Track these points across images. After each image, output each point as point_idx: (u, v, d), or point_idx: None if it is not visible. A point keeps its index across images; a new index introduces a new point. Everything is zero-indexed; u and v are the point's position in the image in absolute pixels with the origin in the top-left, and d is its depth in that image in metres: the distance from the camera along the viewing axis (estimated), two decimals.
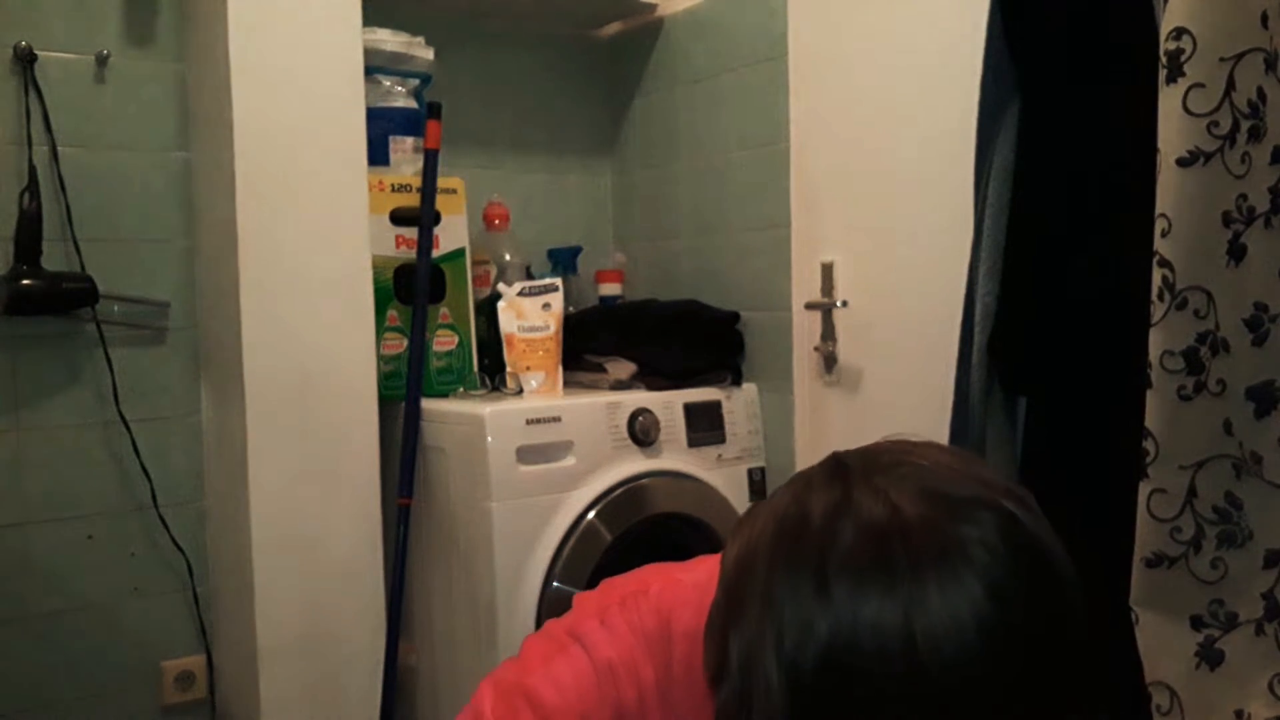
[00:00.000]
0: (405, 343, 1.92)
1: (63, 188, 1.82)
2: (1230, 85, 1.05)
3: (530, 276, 2.18)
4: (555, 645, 0.81)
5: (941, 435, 1.45)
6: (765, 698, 0.57)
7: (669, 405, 1.94)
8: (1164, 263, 1.09)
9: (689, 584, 0.81)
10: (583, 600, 0.86)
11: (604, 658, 0.78)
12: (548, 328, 1.96)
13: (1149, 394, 1.12)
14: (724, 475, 1.99)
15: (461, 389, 1.99)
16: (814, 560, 0.57)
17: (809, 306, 1.94)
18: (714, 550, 0.86)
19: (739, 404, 2.05)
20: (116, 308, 1.87)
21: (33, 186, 1.77)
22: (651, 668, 0.78)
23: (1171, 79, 1.08)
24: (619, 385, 2.01)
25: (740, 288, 2.12)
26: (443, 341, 1.99)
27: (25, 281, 1.74)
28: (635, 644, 0.79)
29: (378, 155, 1.92)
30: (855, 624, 0.55)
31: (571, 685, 0.77)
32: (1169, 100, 1.08)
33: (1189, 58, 1.06)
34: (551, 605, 1.73)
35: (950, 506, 0.58)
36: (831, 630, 0.55)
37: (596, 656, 0.78)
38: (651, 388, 1.99)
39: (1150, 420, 1.12)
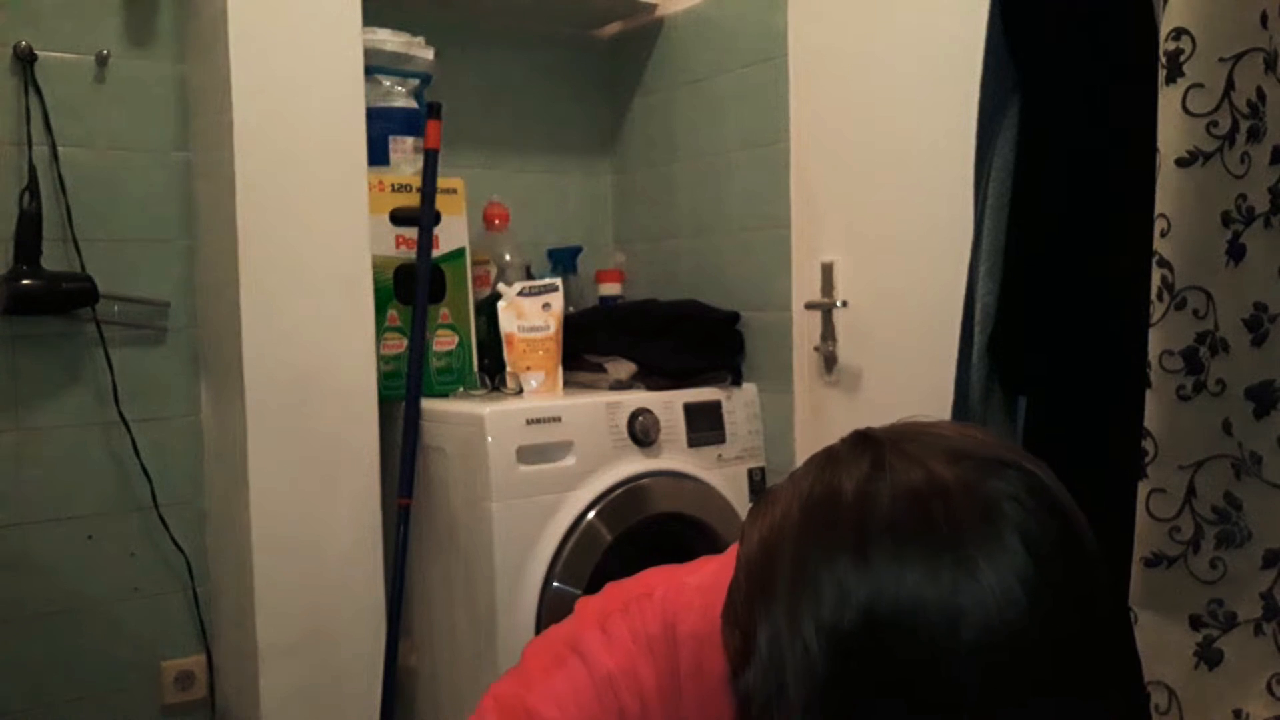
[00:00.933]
0: (405, 343, 1.92)
1: (63, 188, 1.83)
2: (1230, 85, 1.05)
3: (530, 276, 2.18)
4: (555, 658, 0.80)
5: None
6: (802, 670, 0.55)
7: (669, 405, 1.94)
8: (1163, 263, 1.09)
9: (693, 587, 0.80)
10: (585, 605, 0.85)
11: (603, 670, 0.77)
12: (548, 328, 1.96)
13: (1148, 394, 1.12)
14: (724, 475, 1.99)
15: (461, 389, 1.99)
16: (851, 528, 0.56)
17: (809, 306, 1.95)
18: (714, 550, 0.86)
19: (739, 404, 2.05)
20: (116, 308, 1.87)
21: (33, 186, 1.77)
22: (654, 673, 0.78)
23: (1171, 79, 1.08)
24: (619, 385, 2.02)
25: (740, 288, 2.12)
26: (443, 341, 1.99)
27: (25, 281, 1.74)
28: (637, 650, 0.78)
29: (378, 155, 1.92)
30: (898, 587, 0.53)
31: (571, 700, 0.76)
32: (1168, 100, 1.08)
33: (1188, 58, 1.06)
34: (551, 605, 1.73)
35: (981, 467, 0.58)
36: (872, 595, 0.54)
37: (596, 669, 0.77)
38: (651, 388, 1.99)
39: (1149, 420, 1.12)
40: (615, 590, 0.85)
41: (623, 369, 2.03)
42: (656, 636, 0.79)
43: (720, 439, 2.00)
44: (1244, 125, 1.06)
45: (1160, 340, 1.10)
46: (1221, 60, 1.05)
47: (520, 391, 1.93)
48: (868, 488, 0.57)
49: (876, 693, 0.54)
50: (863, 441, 0.62)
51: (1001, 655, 0.53)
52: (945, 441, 0.60)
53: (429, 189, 1.93)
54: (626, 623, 0.80)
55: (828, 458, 0.63)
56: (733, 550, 0.83)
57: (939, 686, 0.53)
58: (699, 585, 0.80)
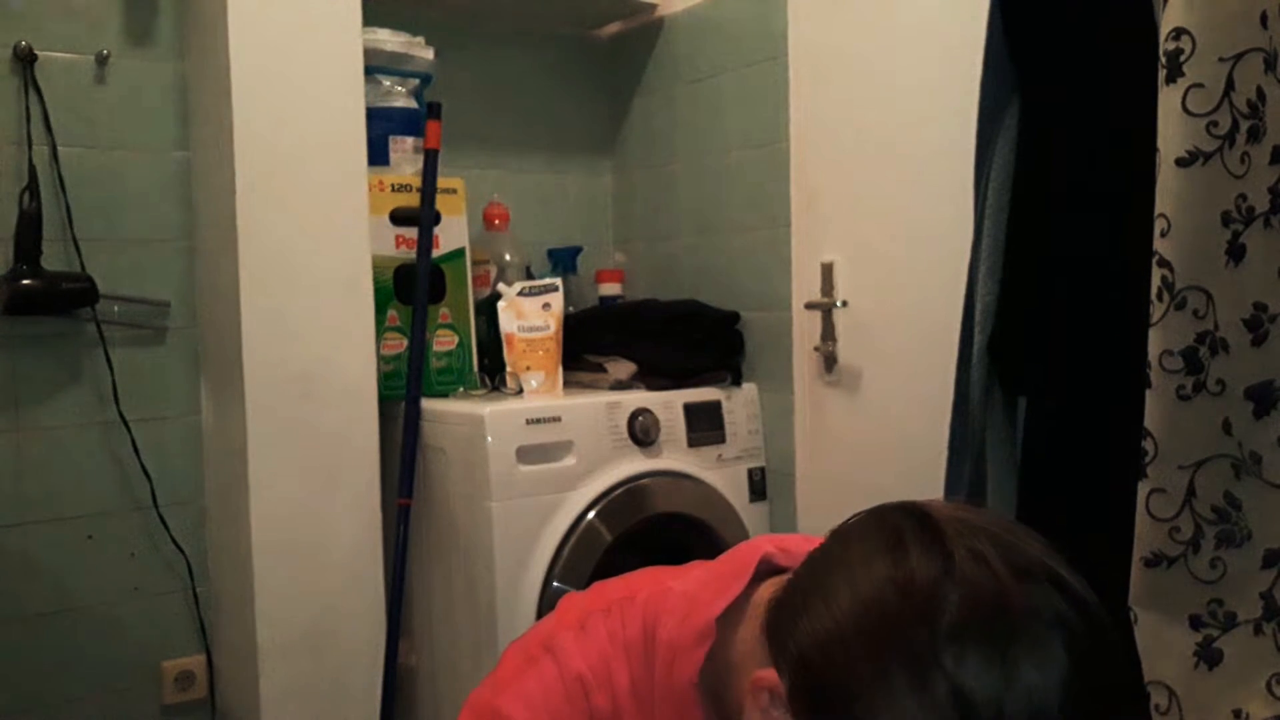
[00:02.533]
0: (405, 343, 1.92)
1: (63, 188, 1.83)
2: (1229, 85, 1.05)
3: (530, 276, 2.19)
4: (528, 658, 0.80)
5: (941, 435, 1.45)
6: None
7: (669, 405, 1.94)
8: (1163, 262, 1.09)
9: (678, 593, 0.80)
10: (569, 603, 0.85)
11: (574, 670, 0.78)
12: (548, 328, 1.96)
13: (1148, 394, 1.12)
14: (724, 475, 1.99)
15: (461, 389, 1.99)
16: (922, 632, 0.59)
17: (809, 306, 1.94)
18: (714, 551, 0.86)
19: (739, 404, 2.05)
20: (116, 308, 1.87)
21: (33, 186, 1.77)
22: (628, 676, 0.78)
23: (1171, 79, 1.08)
24: (619, 385, 2.02)
25: (740, 288, 2.12)
26: (443, 341, 1.99)
27: (25, 281, 1.74)
28: (613, 652, 0.79)
29: (378, 155, 1.92)
30: (963, 687, 0.57)
31: (540, 700, 0.77)
32: (1168, 100, 1.08)
33: (1188, 58, 1.06)
34: (551, 605, 1.72)
35: (1033, 577, 0.61)
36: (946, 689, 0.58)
37: (566, 669, 0.78)
38: (651, 388, 1.99)
39: (1149, 420, 1.12)
40: (600, 590, 0.86)
41: (623, 369, 2.03)
42: (635, 640, 0.79)
43: (720, 439, 2.00)
44: (1244, 125, 1.06)
45: (1160, 340, 1.10)
46: (1221, 60, 1.05)
47: (520, 391, 1.93)
48: (936, 590, 0.60)
49: None
50: (922, 525, 0.64)
51: None
52: (999, 543, 0.63)
53: (429, 189, 1.93)
54: (606, 624, 0.80)
55: (885, 539, 0.64)
56: (722, 558, 0.83)
57: None
58: (684, 592, 0.80)
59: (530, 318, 1.96)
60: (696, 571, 0.83)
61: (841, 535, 0.68)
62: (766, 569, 0.79)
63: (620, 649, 0.79)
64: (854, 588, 0.63)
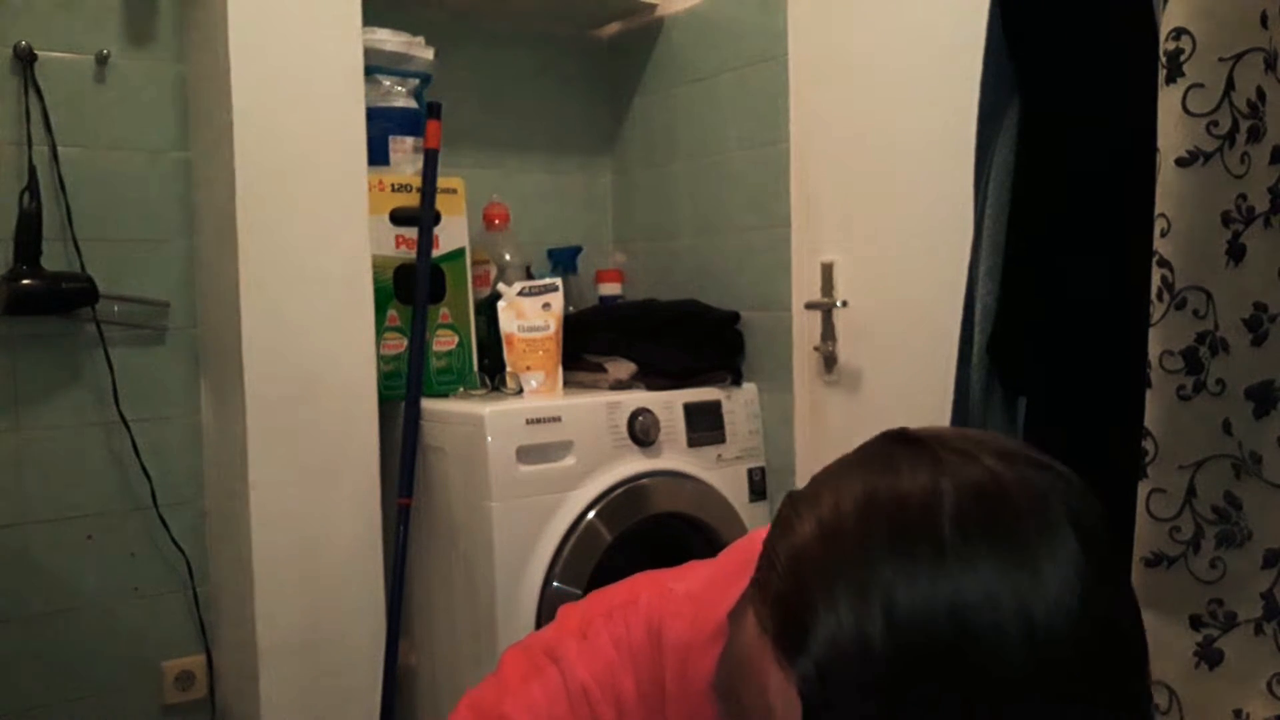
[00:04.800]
0: (405, 343, 1.92)
1: (63, 188, 1.83)
2: (1230, 85, 1.05)
3: (530, 276, 2.18)
4: (532, 666, 0.78)
5: None
6: (863, 664, 0.54)
7: (669, 405, 1.94)
8: (1163, 262, 1.09)
9: (681, 594, 0.79)
10: (568, 612, 0.83)
11: (579, 680, 0.76)
12: (548, 327, 1.96)
13: (1148, 394, 1.12)
14: (724, 475, 1.99)
15: (461, 389, 1.99)
16: (920, 526, 0.55)
17: (809, 306, 1.95)
18: (714, 551, 0.85)
19: (739, 404, 2.05)
20: (116, 308, 1.87)
21: (33, 186, 1.77)
22: (634, 682, 0.76)
23: (1171, 79, 1.08)
24: (619, 385, 2.02)
25: (740, 288, 2.12)
26: (443, 341, 1.99)
27: (25, 281, 1.74)
28: (618, 658, 0.77)
29: (378, 155, 1.92)
30: (969, 586, 0.53)
31: (545, 710, 0.75)
32: (1168, 100, 1.08)
33: (1188, 58, 1.06)
34: (551, 605, 1.73)
35: (1030, 464, 0.58)
36: (943, 594, 0.53)
37: (571, 679, 0.76)
38: (651, 388, 1.99)
39: (1149, 420, 1.12)
40: (599, 597, 0.84)
41: (623, 369, 2.03)
42: (640, 644, 0.77)
43: (720, 439, 2.00)
44: (1244, 125, 1.06)
45: (1160, 340, 1.10)
46: (1221, 60, 1.05)
47: (520, 391, 1.93)
48: (931, 485, 0.57)
49: (938, 688, 0.53)
50: (906, 441, 0.61)
51: (1063, 650, 0.53)
52: (987, 441, 0.60)
53: (429, 189, 1.93)
54: (609, 630, 0.78)
55: (871, 457, 0.61)
56: (723, 555, 0.83)
57: (998, 681, 0.53)
58: (687, 593, 0.79)
59: (530, 318, 1.96)
60: (698, 571, 0.82)
61: (824, 469, 0.64)
62: None
63: (625, 654, 0.77)
64: (838, 495, 0.59)
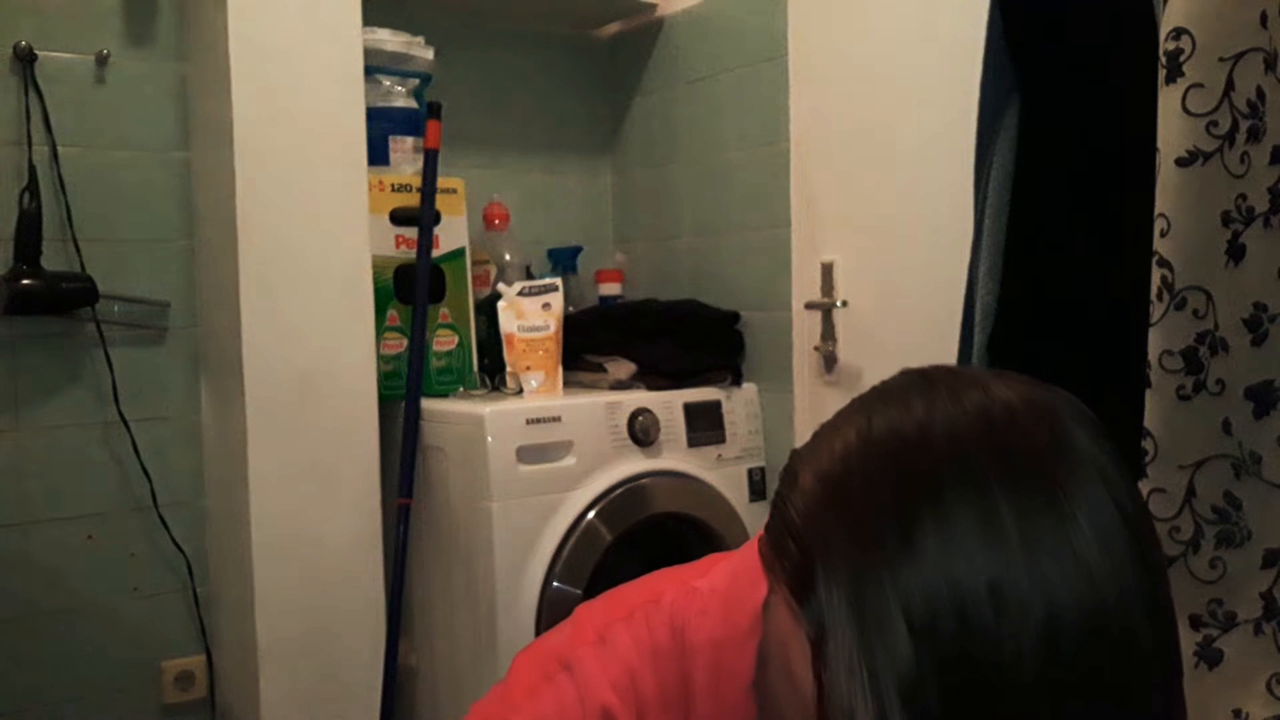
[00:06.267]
0: (405, 343, 1.92)
1: (63, 188, 1.83)
2: (1229, 85, 1.05)
3: (530, 276, 2.18)
4: (543, 674, 0.74)
5: None
6: (883, 638, 0.50)
7: (669, 405, 1.94)
8: (1163, 263, 1.09)
9: (705, 591, 0.76)
10: (585, 613, 0.79)
11: (596, 690, 0.72)
12: (548, 327, 1.96)
13: (1148, 394, 1.12)
14: (724, 475, 1.99)
15: (461, 389, 1.99)
16: (925, 461, 0.51)
17: (809, 306, 1.95)
18: (713, 550, 0.85)
19: (739, 404, 2.05)
20: (116, 308, 1.87)
21: (33, 186, 1.77)
22: (656, 684, 0.73)
23: (1171, 79, 1.08)
24: (619, 385, 2.02)
25: (740, 288, 2.12)
26: (443, 341, 1.99)
27: (25, 281, 1.74)
28: (638, 660, 0.74)
29: (378, 155, 1.92)
30: (965, 562, 0.49)
31: None
32: (1168, 100, 1.08)
33: (1188, 58, 1.06)
34: (551, 605, 1.73)
35: (1032, 383, 0.55)
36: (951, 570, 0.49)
37: (588, 696, 0.72)
38: (651, 388, 1.99)
39: (1149, 420, 1.12)
40: (619, 596, 0.80)
41: (623, 369, 2.03)
42: (663, 645, 0.74)
43: (720, 439, 2.00)
44: (1244, 125, 1.06)
45: (1160, 340, 1.10)
46: (1221, 60, 1.05)
47: (520, 391, 1.93)
48: (928, 417, 0.54)
49: (964, 664, 0.48)
50: (912, 376, 0.59)
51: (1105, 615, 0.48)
52: (988, 370, 0.57)
53: (429, 189, 1.93)
54: (630, 631, 0.75)
55: (878, 396, 0.59)
56: (745, 548, 0.80)
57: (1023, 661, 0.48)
58: (711, 589, 0.75)
59: (530, 318, 1.96)
60: (721, 566, 0.78)
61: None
62: None
63: (646, 656, 0.74)
64: (849, 433, 0.56)
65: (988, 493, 0.50)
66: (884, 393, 0.59)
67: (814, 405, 1.98)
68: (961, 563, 0.49)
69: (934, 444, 0.53)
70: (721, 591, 0.75)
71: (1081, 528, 0.49)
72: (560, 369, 1.97)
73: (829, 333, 1.92)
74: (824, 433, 0.60)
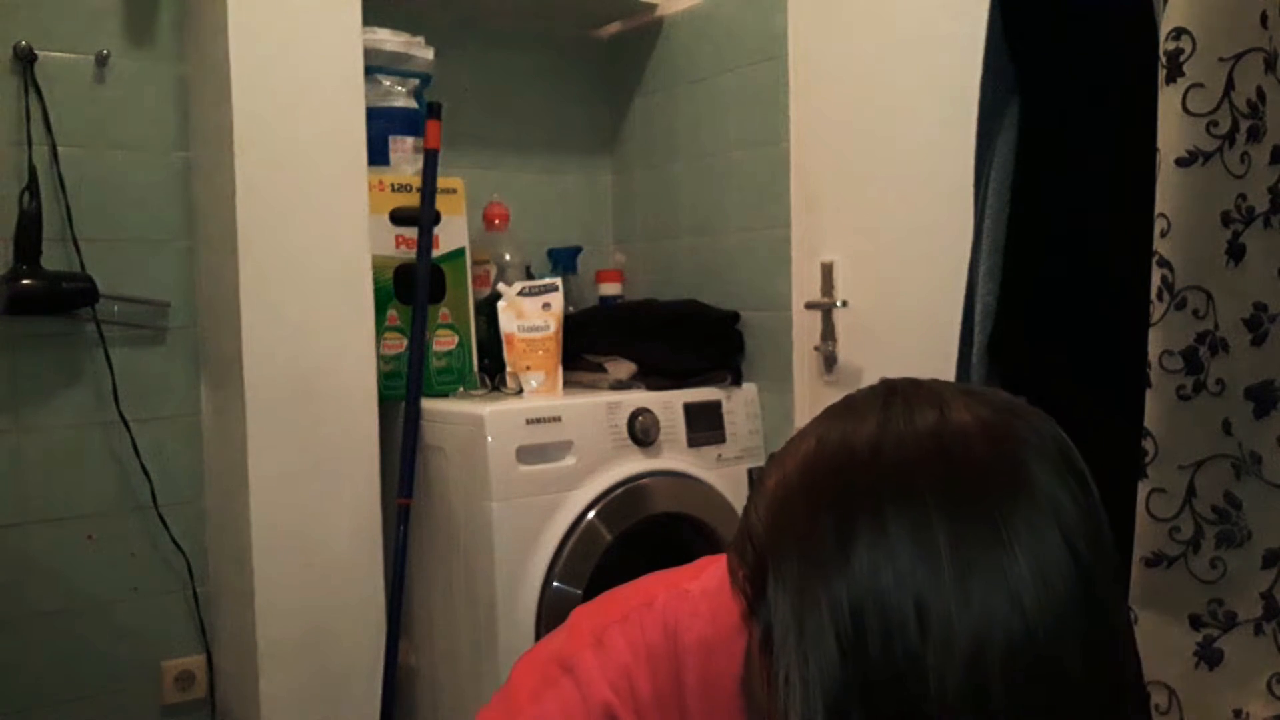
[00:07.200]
0: (405, 343, 1.92)
1: (63, 188, 1.83)
2: (1229, 85, 1.05)
3: (530, 276, 2.18)
4: (544, 679, 0.76)
5: None
6: (819, 657, 0.50)
7: (669, 405, 1.94)
8: (1163, 262, 1.09)
9: (697, 593, 0.77)
10: (580, 616, 0.81)
11: (598, 698, 0.73)
12: (548, 327, 1.96)
13: (1148, 394, 1.12)
14: (724, 475, 1.99)
15: (461, 389, 1.99)
16: (863, 481, 0.52)
17: (809, 306, 1.95)
18: (714, 550, 0.85)
19: (739, 404, 2.05)
20: (116, 308, 1.87)
21: (33, 186, 1.77)
22: (651, 685, 0.75)
23: (1171, 79, 1.08)
24: (619, 385, 2.02)
25: (740, 288, 2.12)
26: (443, 341, 1.99)
27: (25, 281, 1.74)
28: (634, 662, 0.75)
29: (378, 155, 1.92)
30: (899, 575, 0.49)
31: None
32: (1168, 100, 1.08)
33: (1188, 58, 1.06)
34: (551, 605, 1.73)
35: (1003, 409, 0.55)
36: (884, 575, 0.49)
37: (590, 695, 0.74)
38: (651, 387, 1.99)
39: (1149, 420, 1.12)
40: (612, 600, 0.82)
41: (623, 369, 2.03)
42: (657, 646, 0.76)
43: (720, 439, 2.00)
44: (1244, 125, 1.06)
45: (1160, 340, 1.10)
46: (1221, 60, 1.05)
47: (520, 391, 1.93)
48: (880, 434, 0.53)
49: (888, 681, 0.49)
50: (879, 388, 0.59)
51: (1027, 658, 0.48)
52: (960, 388, 0.57)
53: (429, 189, 1.93)
54: (625, 633, 0.76)
55: (845, 406, 0.59)
56: None
57: (952, 687, 0.49)
58: (703, 590, 0.77)
59: (530, 318, 1.96)
60: (710, 567, 0.80)
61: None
62: None
63: (642, 658, 0.75)
64: (805, 448, 0.56)
65: (925, 513, 0.50)
66: (850, 404, 0.59)
67: (814, 405, 1.98)
68: (891, 577, 0.49)
69: (881, 461, 0.53)
70: (712, 593, 0.76)
71: (1017, 558, 0.49)
72: (560, 369, 1.97)
73: (829, 333, 1.92)
74: (795, 439, 0.61)
